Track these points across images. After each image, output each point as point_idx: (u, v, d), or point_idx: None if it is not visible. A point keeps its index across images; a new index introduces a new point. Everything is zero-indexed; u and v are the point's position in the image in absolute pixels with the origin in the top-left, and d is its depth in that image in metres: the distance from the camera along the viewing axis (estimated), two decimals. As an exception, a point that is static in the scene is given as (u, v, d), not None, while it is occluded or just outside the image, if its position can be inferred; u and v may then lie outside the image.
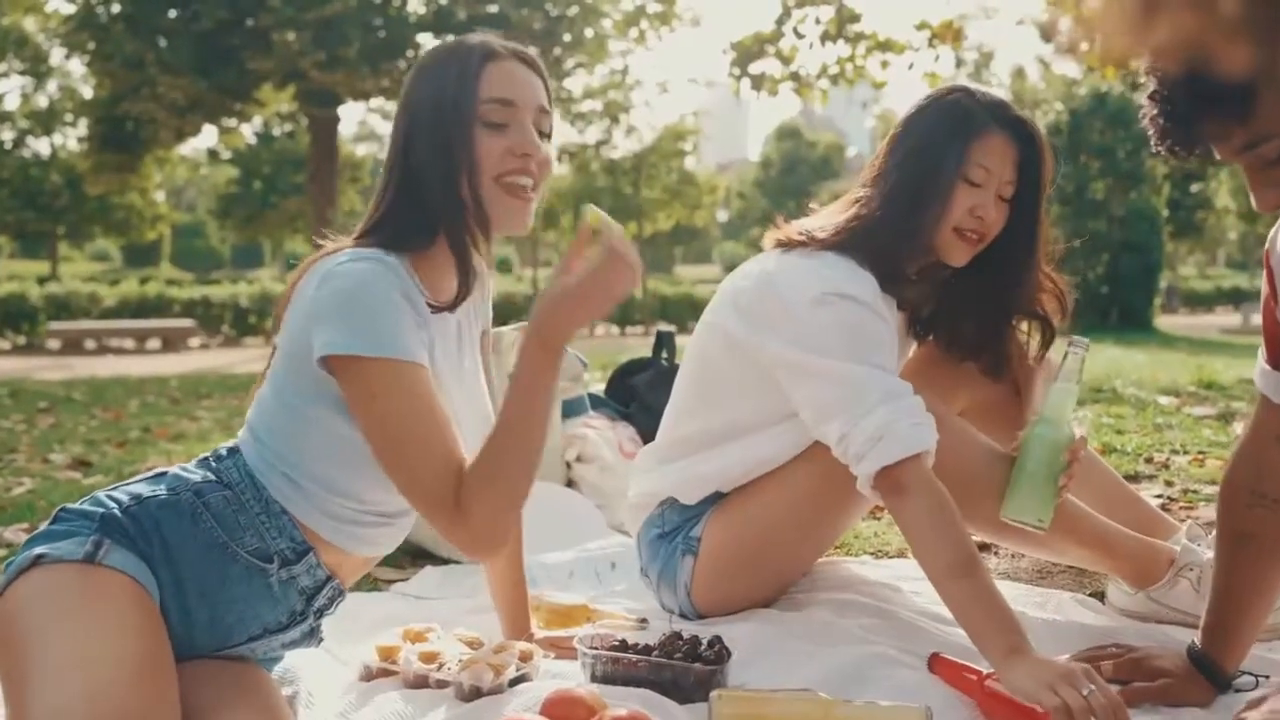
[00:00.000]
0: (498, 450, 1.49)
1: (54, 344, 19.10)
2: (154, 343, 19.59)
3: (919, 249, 1.95)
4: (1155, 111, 1.46)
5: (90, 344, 19.01)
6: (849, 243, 1.93)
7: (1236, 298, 37.09)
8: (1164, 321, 20.22)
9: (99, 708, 1.33)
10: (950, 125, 1.91)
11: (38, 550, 1.49)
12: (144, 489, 1.59)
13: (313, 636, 1.75)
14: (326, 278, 1.52)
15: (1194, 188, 29.63)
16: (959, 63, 31.06)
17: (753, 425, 2.00)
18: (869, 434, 1.76)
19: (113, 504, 1.56)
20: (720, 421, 2.04)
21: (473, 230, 1.59)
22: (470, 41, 1.61)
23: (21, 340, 20.46)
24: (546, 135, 1.63)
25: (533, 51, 1.65)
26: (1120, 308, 18.15)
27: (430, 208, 1.59)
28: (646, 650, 1.78)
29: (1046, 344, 2.11)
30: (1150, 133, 1.49)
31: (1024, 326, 2.12)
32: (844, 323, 1.84)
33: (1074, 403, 1.85)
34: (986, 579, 1.68)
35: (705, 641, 1.78)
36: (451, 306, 1.62)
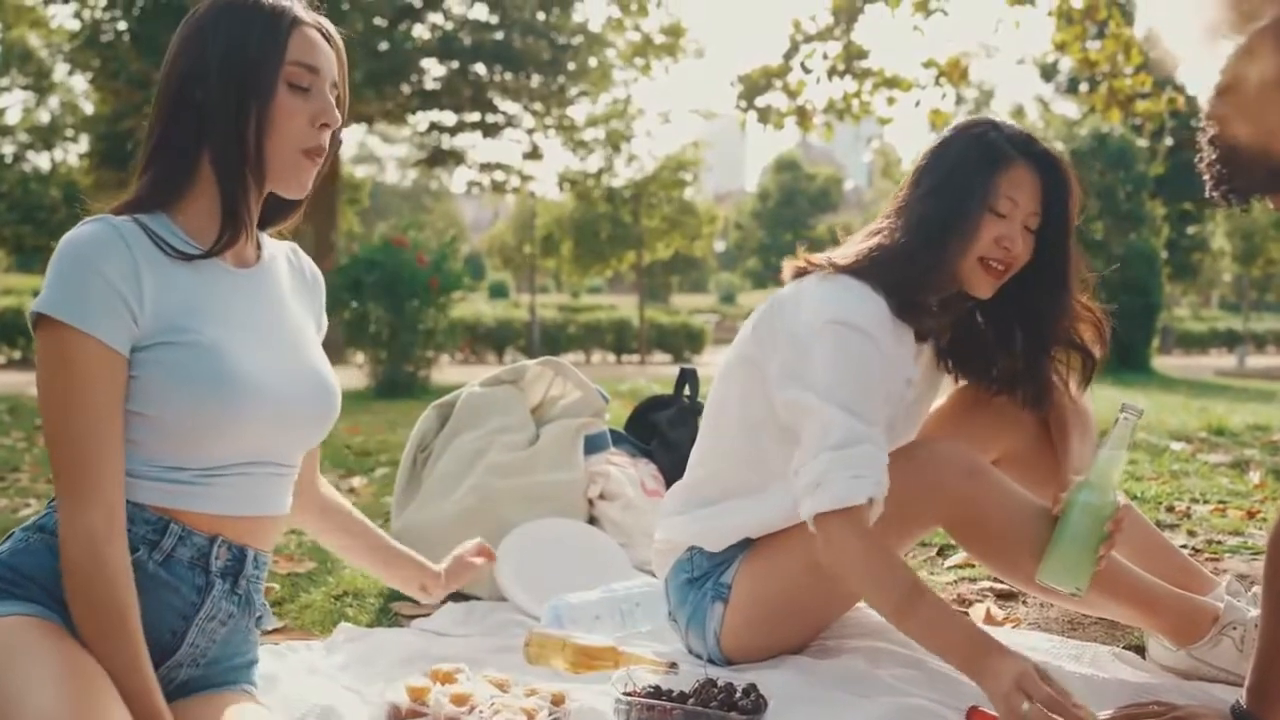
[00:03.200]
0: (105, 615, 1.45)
1: (49, 359, 19.00)
2: (150, 360, 19.52)
3: (943, 279, 1.95)
4: (1215, 157, 1.46)
5: (86, 360, 18.93)
6: (868, 269, 1.94)
7: (1231, 340, 37.20)
8: (1159, 363, 20.24)
9: None
10: (978, 157, 1.93)
11: None
12: None
13: (250, 606, 1.68)
14: None
15: (1190, 229, 29.75)
16: (959, 100, 31.23)
17: (779, 472, 1.98)
18: (809, 479, 1.81)
19: None
20: (748, 467, 2.03)
21: (246, 180, 1.58)
22: (272, 2, 1.60)
23: (17, 355, 20.39)
24: (338, 106, 1.66)
25: (332, 27, 1.67)
26: (1119, 348, 18.19)
27: (197, 150, 1.57)
28: (682, 698, 1.75)
29: (1088, 375, 2.10)
30: (1205, 177, 1.50)
31: (1063, 370, 2.11)
32: (837, 355, 1.86)
33: (1121, 470, 1.83)
34: (931, 601, 1.74)
35: (740, 689, 1.75)
36: (213, 252, 1.58)
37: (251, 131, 1.56)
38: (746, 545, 2.05)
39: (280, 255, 1.77)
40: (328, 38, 1.65)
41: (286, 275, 1.76)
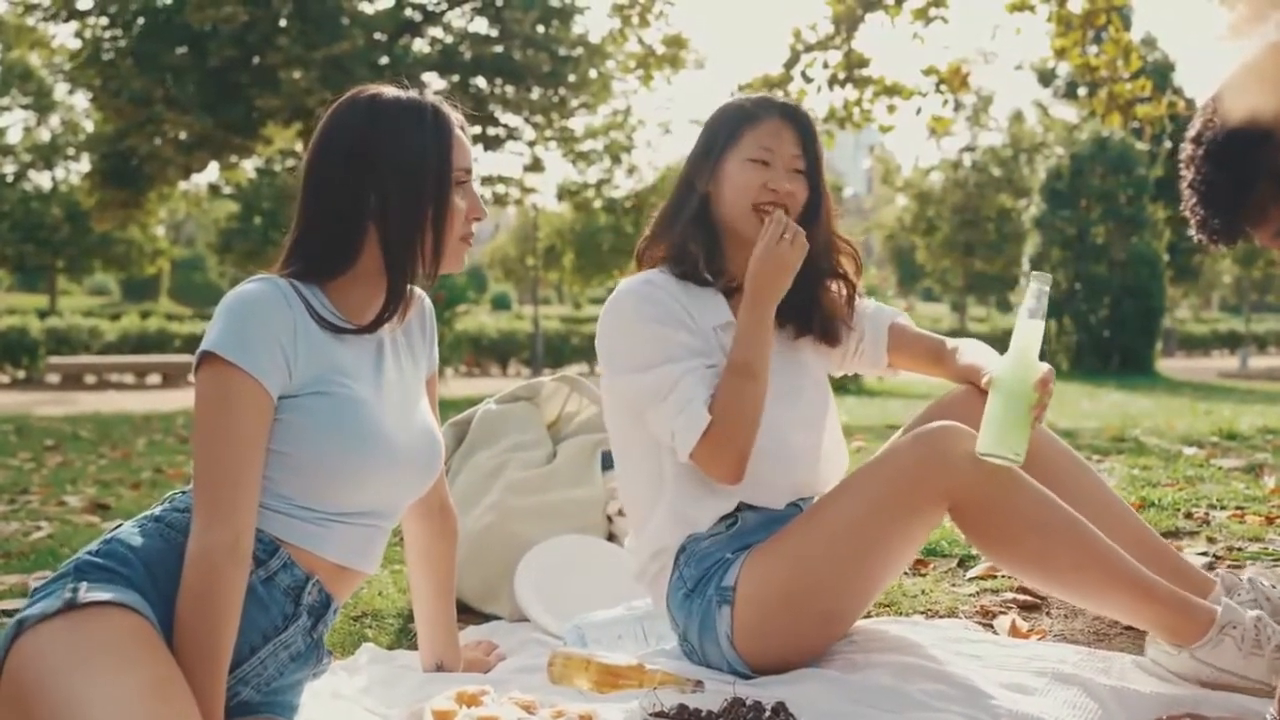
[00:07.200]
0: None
1: (53, 378, 19.04)
2: (154, 378, 19.54)
3: (721, 233, 2.13)
4: (1195, 201, 1.58)
5: (90, 379, 18.95)
6: (661, 255, 2.16)
7: (1232, 341, 37.19)
8: (1162, 365, 20.21)
9: None
10: (723, 122, 2.14)
11: (18, 616, 1.50)
12: (110, 534, 1.65)
13: (318, 650, 1.78)
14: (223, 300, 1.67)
15: (1191, 232, 29.78)
16: (958, 106, 31.24)
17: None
18: (665, 437, 2.01)
19: (82, 555, 1.60)
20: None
21: (417, 272, 1.75)
22: (434, 107, 1.75)
23: (21, 374, 20.41)
24: None
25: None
26: (1122, 352, 18.17)
27: (360, 238, 1.71)
28: (710, 717, 1.74)
29: (850, 300, 2.25)
30: (1191, 221, 1.62)
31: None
32: (614, 325, 2.09)
33: (1040, 336, 1.91)
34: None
35: (769, 708, 1.74)
36: (373, 327, 1.74)
37: (430, 233, 1.73)
38: (739, 543, 2.06)
39: (411, 305, 1.88)
40: (466, 131, 1.81)
41: (415, 329, 1.92)
